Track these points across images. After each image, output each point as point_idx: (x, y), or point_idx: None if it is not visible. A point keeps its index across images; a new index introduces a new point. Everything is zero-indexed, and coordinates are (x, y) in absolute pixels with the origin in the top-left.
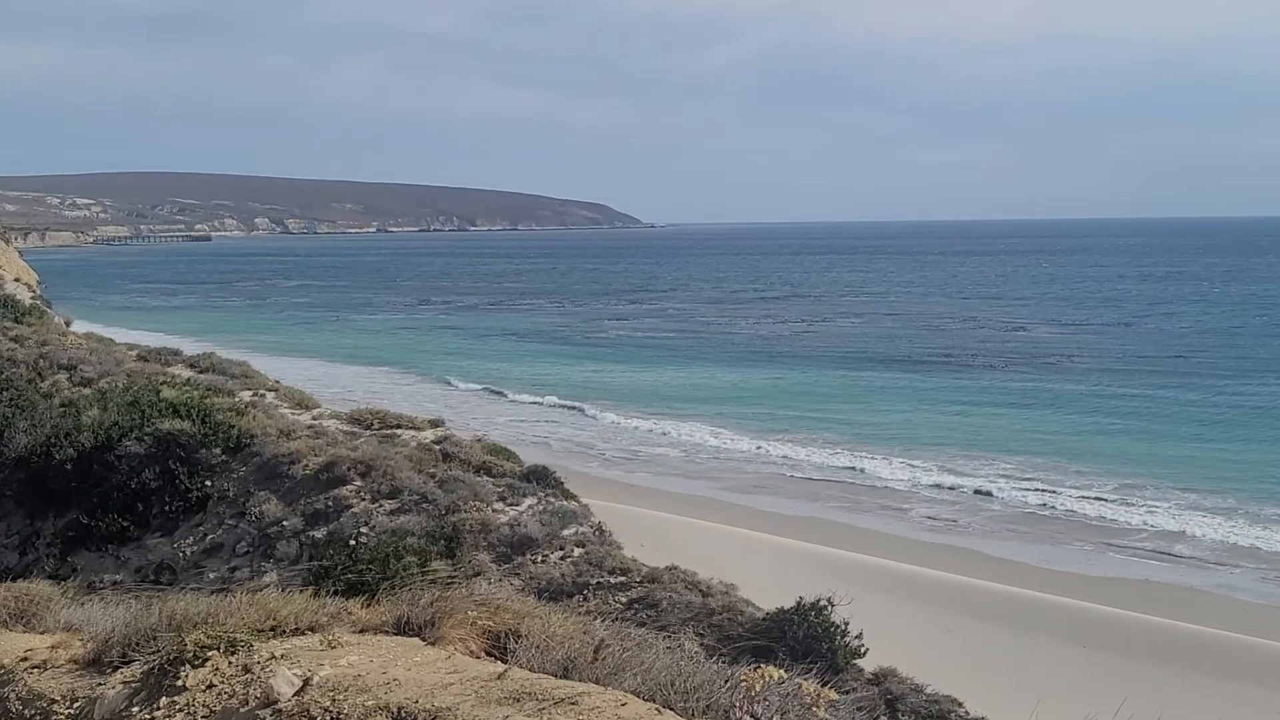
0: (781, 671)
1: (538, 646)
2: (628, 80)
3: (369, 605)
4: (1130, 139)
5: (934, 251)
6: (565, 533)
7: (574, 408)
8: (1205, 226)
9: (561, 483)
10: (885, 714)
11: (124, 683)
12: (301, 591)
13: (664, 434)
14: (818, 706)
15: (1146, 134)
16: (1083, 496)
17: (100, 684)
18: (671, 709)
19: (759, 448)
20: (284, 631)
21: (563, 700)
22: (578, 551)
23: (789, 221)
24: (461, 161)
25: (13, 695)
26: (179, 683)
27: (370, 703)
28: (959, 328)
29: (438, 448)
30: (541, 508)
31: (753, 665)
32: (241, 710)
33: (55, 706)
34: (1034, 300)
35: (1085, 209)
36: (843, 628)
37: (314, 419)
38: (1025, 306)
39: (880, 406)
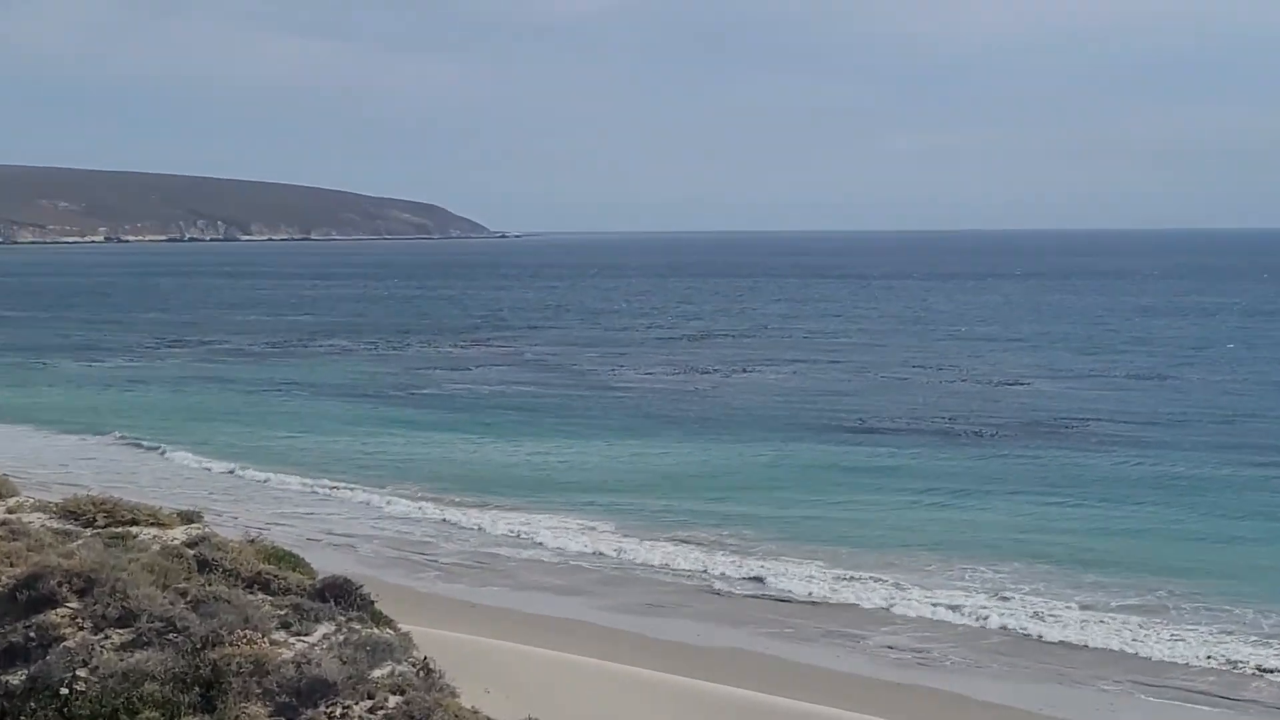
0: None
1: None
2: (459, 25)
3: None
4: (1162, 120)
5: (900, 274)
6: (376, 674)
7: (390, 495)
8: (1263, 240)
9: (372, 602)
10: None
11: None
12: None
13: (522, 533)
14: None
15: (1186, 112)
16: (1102, 618)
17: None
18: None
19: (655, 551)
20: None
21: None
22: (394, 701)
23: (702, 230)
24: (230, 144)
25: None
26: None
27: None
28: (933, 381)
29: (191, 553)
30: (342, 638)
31: None
32: None
33: None
34: (1034, 342)
35: (1101, 215)
36: None
37: (9, 512)
38: (1023, 351)
39: (823, 493)
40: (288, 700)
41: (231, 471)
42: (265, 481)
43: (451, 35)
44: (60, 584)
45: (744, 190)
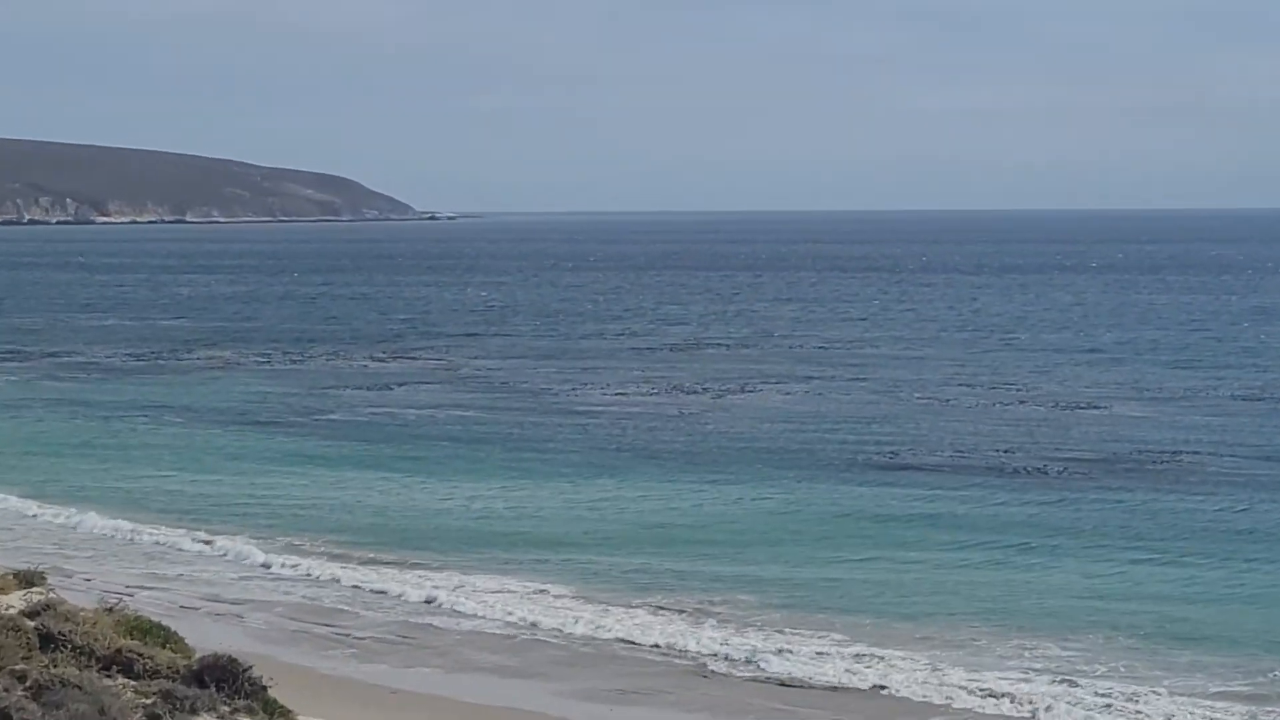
0: None
1: None
2: None
3: None
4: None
5: (940, 266)
6: None
7: (289, 551)
8: None
9: (265, 688)
10: None
11: None
12: None
13: (458, 600)
14: None
15: None
16: (1199, 709)
17: None
18: None
19: (628, 622)
20: None
21: None
22: None
23: (687, 211)
24: (78, 98)
25: None
26: None
27: None
28: (984, 404)
29: (32, 625)
30: None
31: None
32: None
33: None
34: (1115, 354)
35: (1201, 192)
36: None
37: None
38: (1100, 365)
39: (843, 548)
40: None
41: (83, 520)
42: (127, 533)
43: None
44: None
45: (738, 160)
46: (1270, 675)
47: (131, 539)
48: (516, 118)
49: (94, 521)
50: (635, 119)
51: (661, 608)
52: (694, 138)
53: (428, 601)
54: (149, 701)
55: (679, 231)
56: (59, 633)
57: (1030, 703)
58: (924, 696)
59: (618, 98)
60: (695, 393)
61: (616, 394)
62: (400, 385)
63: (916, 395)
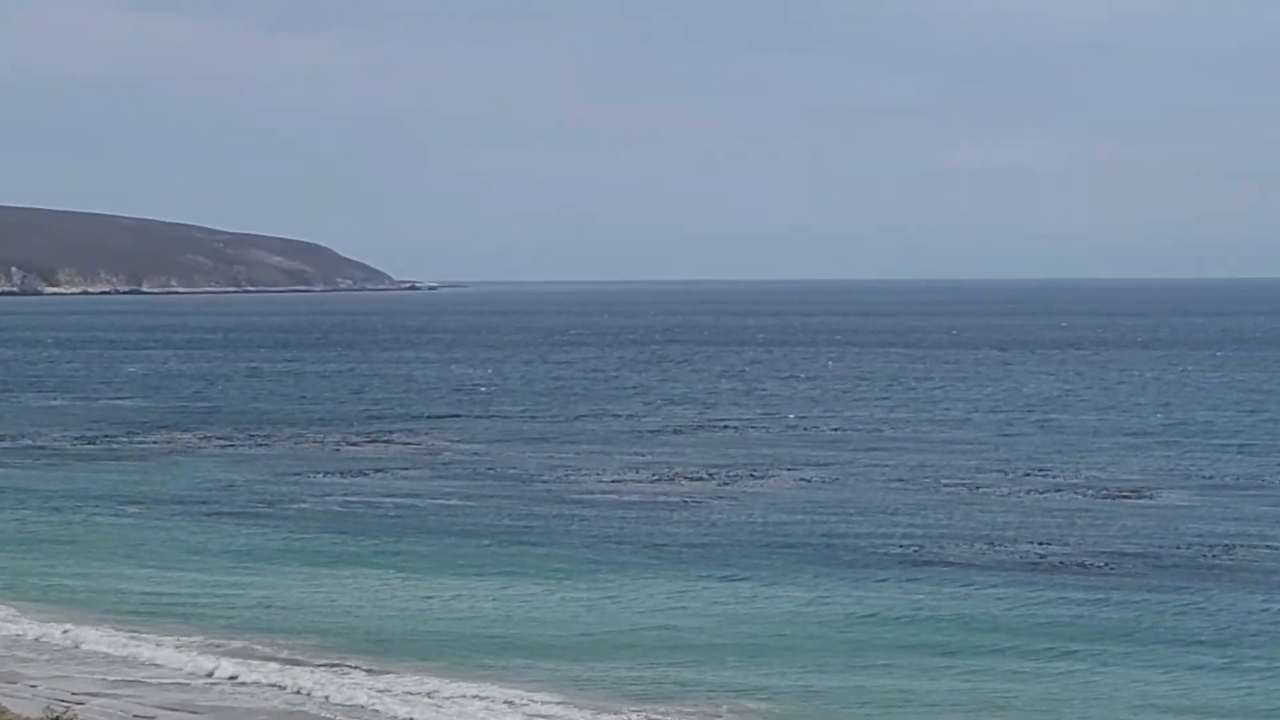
0: None
1: None
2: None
3: None
4: None
5: (969, 340)
6: None
7: (248, 657)
8: None
9: None
10: None
11: None
12: None
13: (437, 717)
14: None
15: None
16: None
17: None
18: None
19: None
20: None
21: None
22: None
23: (690, 280)
24: (28, 158)
25: None
26: None
27: None
28: (1019, 492)
29: None
30: None
31: None
32: None
33: None
34: (1164, 437)
35: (1250, 260)
36: None
37: None
38: (1147, 449)
39: (864, 655)
40: None
41: (30, 621)
42: (78, 634)
43: (347, 9)
44: None
45: (744, 224)
46: None
47: (83, 641)
48: (507, 179)
49: (29, 625)
50: (626, 182)
51: (662, 719)
52: (692, 201)
53: (400, 714)
54: None
55: (680, 303)
56: None
57: None
58: None
59: (605, 160)
60: (701, 479)
61: (614, 481)
62: (377, 471)
63: (945, 482)
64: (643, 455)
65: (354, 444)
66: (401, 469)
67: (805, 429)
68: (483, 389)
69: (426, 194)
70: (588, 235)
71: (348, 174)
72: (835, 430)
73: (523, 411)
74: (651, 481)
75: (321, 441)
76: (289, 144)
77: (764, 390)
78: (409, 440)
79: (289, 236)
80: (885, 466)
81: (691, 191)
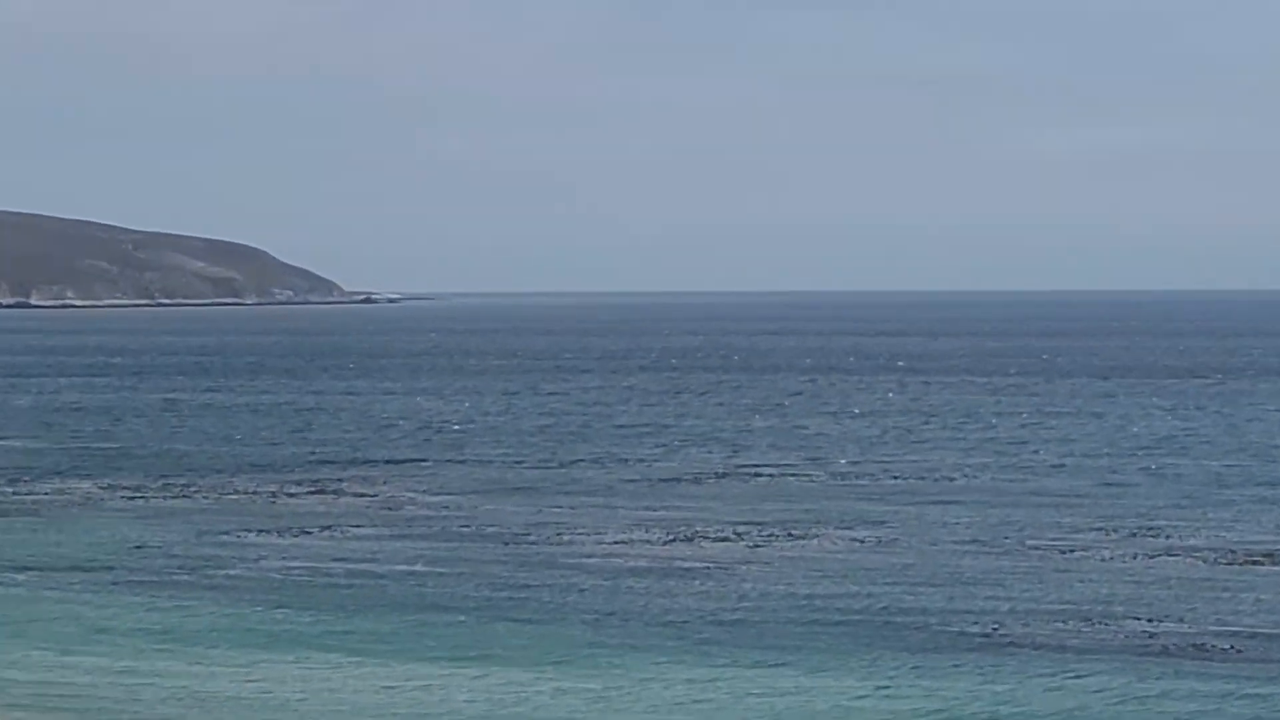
0: None
1: None
2: None
3: None
4: None
5: (1064, 367)
6: None
7: None
8: None
9: None
10: None
11: None
12: None
13: None
14: None
15: None
16: None
17: None
18: None
19: None
20: None
21: None
22: None
23: (709, 291)
24: None
25: None
26: None
27: None
28: (1123, 555)
29: None
30: None
31: None
32: None
33: None
34: None
35: None
36: None
37: None
38: None
39: None
40: None
41: None
42: None
43: None
44: None
45: (774, 222)
46: None
47: None
48: (476, 170)
49: None
50: (625, 173)
51: None
52: (709, 194)
53: None
54: None
55: (703, 319)
56: None
57: None
58: None
59: (601, 146)
60: (728, 540)
61: (620, 542)
62: (324, 529)
63: (1032, 544)
64: (656, 510)
65: (296, 495)
66: (355, 526)
67: (858, 477)
68: (456, 427)
69: (387, 185)
70: (589, 235)
71: (288, 160)
72: (895, 479)
73: (506, 455)
74: (666, 542)
75: (255, 492)
76: (214, 121)
77: (807, 429)
78: (364, 490)
79: (214, 237)
80: (958, 524)
81: (713, 180)
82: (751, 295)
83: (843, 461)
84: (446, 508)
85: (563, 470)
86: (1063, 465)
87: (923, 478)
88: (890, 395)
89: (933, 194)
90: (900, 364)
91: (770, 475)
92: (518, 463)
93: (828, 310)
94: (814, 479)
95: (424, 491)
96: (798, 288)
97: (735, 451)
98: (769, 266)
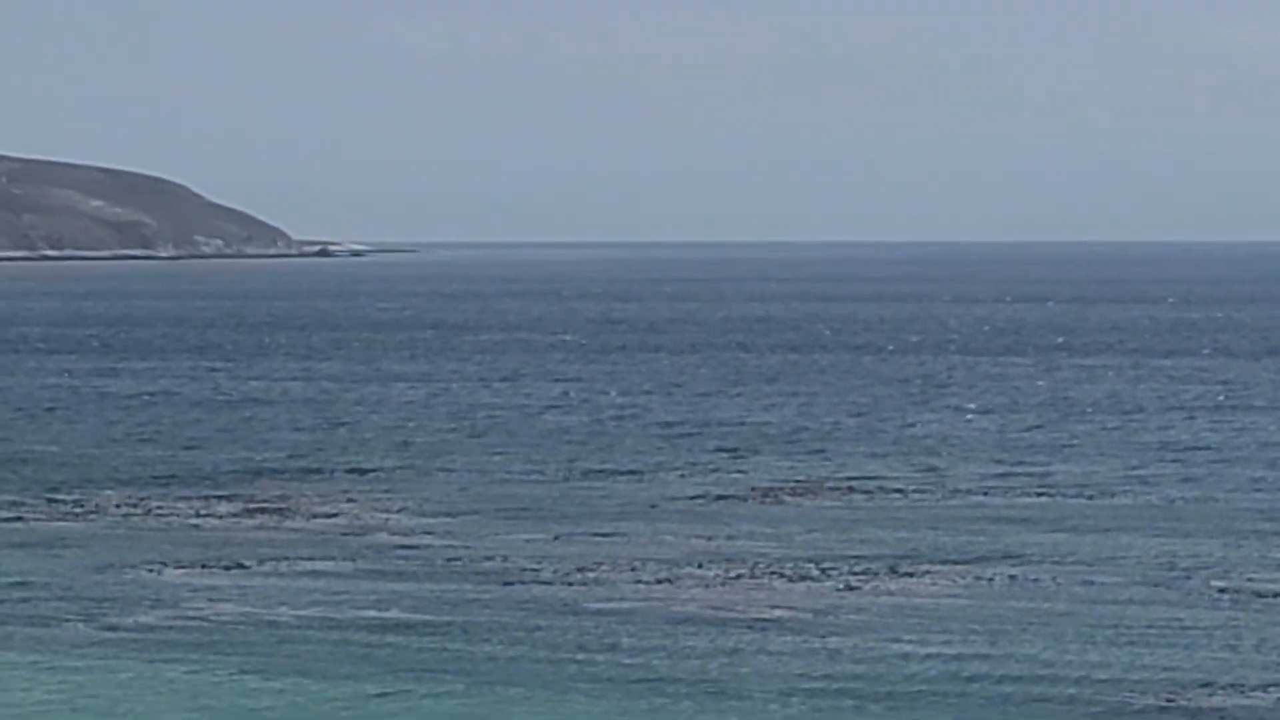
0: None
1: None
2: None
3: None
4: None
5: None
6: None
7: None
8: None
9: None
10: None
11: None
12: None
13: None
14: None
15: None
16: None
17: None
18: None
19: None
20: None
21: None
22: None
23: (799, 242)
24: None
25: None
26: None
27: None
28: None
29: None
30: None
31: None
32: None
33: None
34: None
35: None
36: None
37: None
38: None
39: None
40: None
41: None
42: None
43: None
44: None
45: (892, 145)
46: None
47: None
48: (462, 103)
49: None
50: (649, 82)
51: None
52: (778, 115)
53: None
54: None
55: (779, 279)
56: None
57: None
58: None
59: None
60: (810, 578)
61: (664, 581)
62: (266, 562)
63: (1222, 585)
64: (712, 538)
65: (229, 516)
66: (307, 559)
67: (987, 494)
68: (442, 425)
69: (343, 107)
70: (613, 169)
71: (217, 75)
72: (1039, 497)
73: (509, 464)
74: (727, 582)
75: (173, 512)
76: (119, 20)
77: (913, 429)
78: (320, 510)
79: (118, 167)
80: (1125, 559)
81: (777, 96)
82: (853, 247)
83: (968, 473)
84: (430, 534)
85: (584, 484)
86: (1263, 480)
87: (1076, 496)
88: (1038, 384)
89: (1082, 110)
90: (1045, 341)
91: (868, 491)
92: (524, 474)
93: (949, 268)
94: (923, 497)
95: (399, 512)
96: (915, 238)
97: (816, 459)
98: (874, 208)
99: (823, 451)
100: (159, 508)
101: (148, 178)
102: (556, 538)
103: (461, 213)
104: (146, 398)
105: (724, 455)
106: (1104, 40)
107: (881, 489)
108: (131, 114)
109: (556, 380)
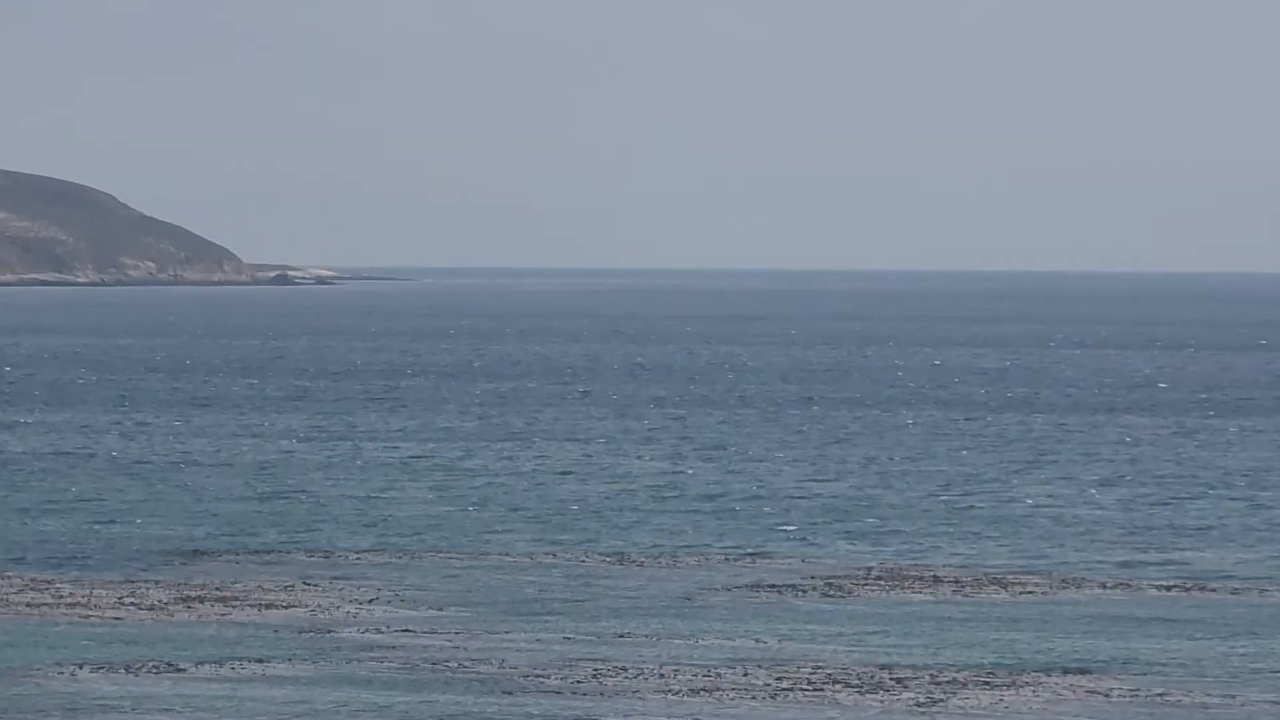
0: None
1: None
2: None
3: None
4: None
5: None
6: None
7: None
8: None
9: None
10: None
11: None
12: None
13: None
14: None
15: None
16: None
17: None
18: None
19: None
20: None
21: None
22: None
23: (871, 270)
24: None
25: None
26: None
27: None
28: None
29: None
30: None
31: None
32: None
33: None
34: None
35: None
36: None
37: None
38: None
39: None
40: None
41: None
42: None
43: None
44: None
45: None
46: None
47: None
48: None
49: None
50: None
51: None
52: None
53: None
54: None
55: (811, 309)
56: None
57: None
58: None
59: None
60: (885, 689)
61: (699, 689)
62: (206, 665)
63: None
64: (756, 638)
65: (160, 605)
66: (256, 660)
67: (1102, 587)
68: (423, 494)
69: (312, 97)
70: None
71: (152, 59)
72: (1165, 591)
73: (505, 542)
74: (776, 694)
75: (92, 601)
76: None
77: (1014, 505)
78: (271, 599)
79: (24, 170)
80: (1276, 674)
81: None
82: (869, 275)
83: (1082, 560)
84: (410, 630)
85: (604, 570)
86: None
87: (1217, 590)
88: (1171, 449)
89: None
90: (1201, 396)
91: (958, 583)
92: (529, 556)
93: (1043, 301)
94: (1032, 590)
95: (372, 602)
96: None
97: (898, 541)
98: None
99: (901, 532)
100: (73, 595)
101: (63, 184)
102: (568, 637)
103: (457, 233)
104: (58, 458)
105: (779, 535)
106: None
107: (974, 579)
108: (43, 106)
109: (572, 440)
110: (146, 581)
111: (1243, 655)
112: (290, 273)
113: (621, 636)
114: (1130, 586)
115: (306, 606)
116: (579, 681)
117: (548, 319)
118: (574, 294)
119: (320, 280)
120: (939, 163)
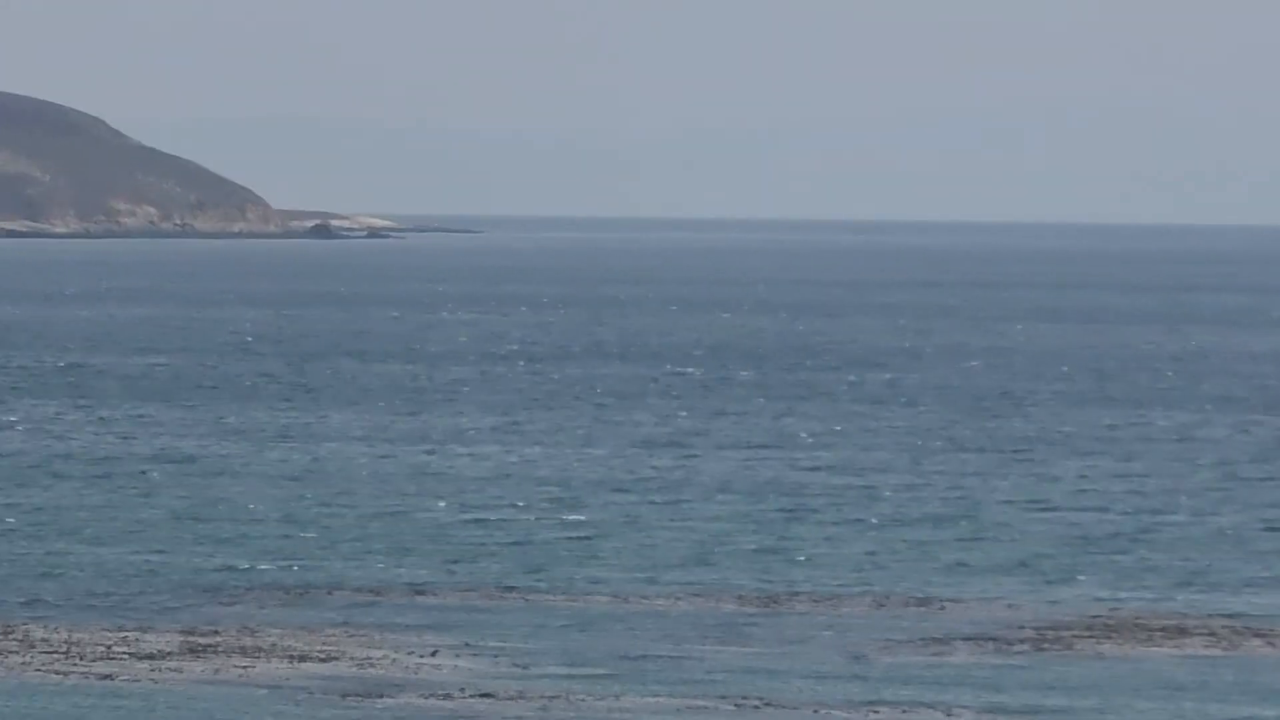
0: None
1: None
2: None
3: None
4: None
5: None
6: None
7: None
8: None
9: None
10: None
11: None
12: None
13: None
14: None
15: None
16: None
17: None
18: None
19: None
20: None
21: None
22: None
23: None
24: None
25: None
26: None
27: None
28: None
29: None
30: None
31: None
32: None
33: None
34: None
35: None
36: None
37: None
38: None
39: None
40: None
41: None
42: None
43: None
44: None
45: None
46: None
47: None
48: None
49: None
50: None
51: None
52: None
53: None
54: None
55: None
56: None
57: None
58: None
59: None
60: None
61: None
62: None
63: None
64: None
65: (160, 655)
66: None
67: None
68: (541, 518)
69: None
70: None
71: None
72: None
73: (610, 577)
74: None
75: (75, 651)
76: None
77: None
78: (302, 649)
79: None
80: None
81: None
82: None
83: None
84: (489, 694)
85: (751, 623)
86: None
87: None
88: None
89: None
90: None
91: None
92: (649, 595)
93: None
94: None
95: (435, 655)
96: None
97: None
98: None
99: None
100: (46, 641)
101: (38, 104)
102: (698, 705)
103: (536, 177)
104: (31, 466)
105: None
106: None
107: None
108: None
109: (735, 447)
110: (139, 629)
111: None
112: (333, 222)
113: (769, 705)
114: None
115: (352, 659)
116: None
117: (655, 281)
118: (720, 251)
119: (372, 233)
120: None
